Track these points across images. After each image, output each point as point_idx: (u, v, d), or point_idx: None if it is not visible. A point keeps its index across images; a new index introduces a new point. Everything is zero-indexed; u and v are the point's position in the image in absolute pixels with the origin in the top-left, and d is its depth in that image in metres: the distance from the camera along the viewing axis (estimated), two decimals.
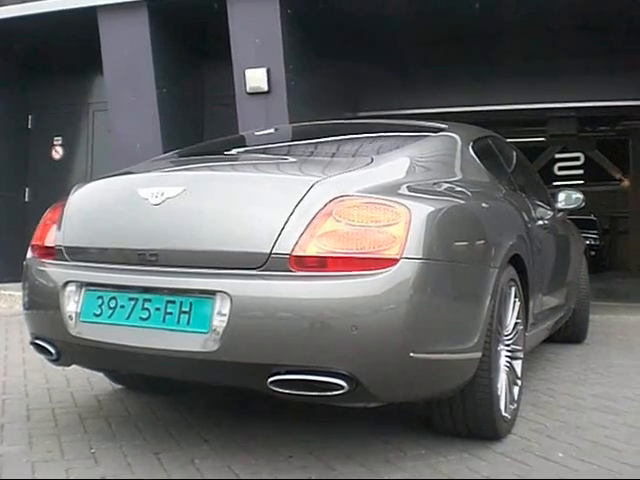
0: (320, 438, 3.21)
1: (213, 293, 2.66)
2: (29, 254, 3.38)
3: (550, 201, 5.16)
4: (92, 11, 8.58)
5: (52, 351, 3.12)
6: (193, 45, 9.13)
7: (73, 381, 4.26)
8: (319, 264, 2.60)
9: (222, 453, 3.01)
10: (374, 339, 2.56)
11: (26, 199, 10.56)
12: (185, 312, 2.71)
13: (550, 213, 4.91)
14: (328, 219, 2.63)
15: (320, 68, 9.03)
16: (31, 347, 3.32)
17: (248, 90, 8.01)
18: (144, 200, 2.89)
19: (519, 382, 3.44)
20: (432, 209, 2.78)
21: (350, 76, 10.34)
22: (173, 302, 2.74)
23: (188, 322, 2.69)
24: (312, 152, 3.76)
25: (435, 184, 3.14)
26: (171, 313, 2.73)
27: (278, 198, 2.74)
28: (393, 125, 4.40)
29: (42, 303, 3.19)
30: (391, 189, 2.83)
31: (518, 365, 3.42)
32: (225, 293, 2.63)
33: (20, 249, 10.27)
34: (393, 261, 2.57)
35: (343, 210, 2.65)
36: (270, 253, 2.63)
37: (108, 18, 8.62)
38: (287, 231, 2.63)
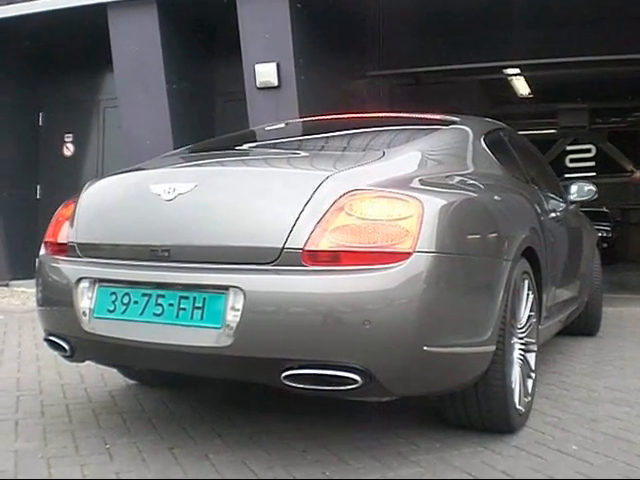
0: (333, 432, 3.22)
1: (226, 288, 2.66)
2: (42, 251, 3.38)
3: (562, 193, 5.13)
4: (102, 7, 8.60)
5: (66, 347, 3.12)
6: (203, 40, 9.13)
7: (87, 377, 4.28)
8: (332, 258, 2.60)
9: (236, 448, 3.01)
10: (387, 333, 2.55)
11: (37, 196, 10.60)
12: (198, 307, 2.71)
13: (562, 205, 4.88)
14: (340, 213, 2.63)
15: (330, 62, 9.01)
16: (45, 343, 3.33)
17: (258, 85, 8.01)
18: (156, 196, 2.89)
19: (533, 375, 3.42)
20: (445, 202, 2.77)
21: (360, 70, 10.33)
22: (186, 298, 2.74)
23: (201, 317, 2.69)
24: (323, 146, 3.74)
25: (447, 177, 3.13)
26: (184, 309, 2.73)
27: (290, 193, 2.74)
28: (404, 118, 4.35)
29: (56, 300, 3.19)
30: (403, 183, 2.81)
31: (532, 358, 3.40)
32: (238, 288, 2.62)
33: (32, 246, 10.34)
34: (406, 255, 2.56)
35: (355, 204, 2.63)
36: (283, 248, 2.63)
37: (117, 14, 8.63)
38: (299, 226, 2.63)
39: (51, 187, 10.46)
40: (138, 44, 8.62)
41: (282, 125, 4.77)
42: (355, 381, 2.56)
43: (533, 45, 9.40)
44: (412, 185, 2.83)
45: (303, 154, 3.49)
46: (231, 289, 2.64)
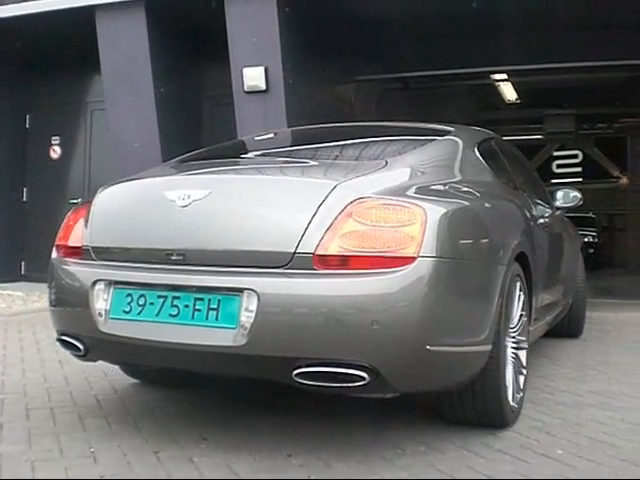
0: (320, 436, 3.22)
1: (240, 291, 2.79)
2: (54, 254, 3.47)
3: (548, 199, 5.25)
4: (90, 10, 8.57)
5: (80, 347, 3.21)
6: (191, 44, 9.11)
7: (72, 380, 4.26)
8: (341, 262, 2.75)
9: (221, 451, 3.01)
10: (394, 333, 2.70)
11: (24, 199, 10.55)
12: (213, 309, 2.84)
13: (549, 211, 5.01)
14: (349, 220, 2.78)
15: (318, 66, 9.02)
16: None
17: (246, 89, 8.00)
18: (171, 202, 3.01)
19: (524, 371, 3.57)
20: (446, 210, 2.92)
21: (348, 75, 10.35)
22: (201, 299, 2.87)
23: (216, 318, 2.83)
24: (329, 155, 3.85)
25: (446, 185, 3.28)
26: (200, 310, 2.86)
27: (301, 200, 2.89)
28: (403, 128, 4.51)
29: (70, 301, 3.29)
30: (406, 191, 2.97)
31: (523, 355, 3.56)
32: (252, 290, 2.76)
33: (18, 249, 10.34)
34: (411, 259, 2.72)
35: (362, 211, 2.79)
36: (294, 252, 2.77)
37: (106, 17, 8.60)
38: (310, 231, 2.78)
39: (38, 190, 10.43)
40: (126, 47, 8.59)
41: (285, 132, 4.90)
42: (363, 378, 2.70)
43: (520, 51, 9.45)
44: (415, 193, 2.97)
45: (311, 163, 3.62)
46: (245, 291, 2.78)
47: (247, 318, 2.75)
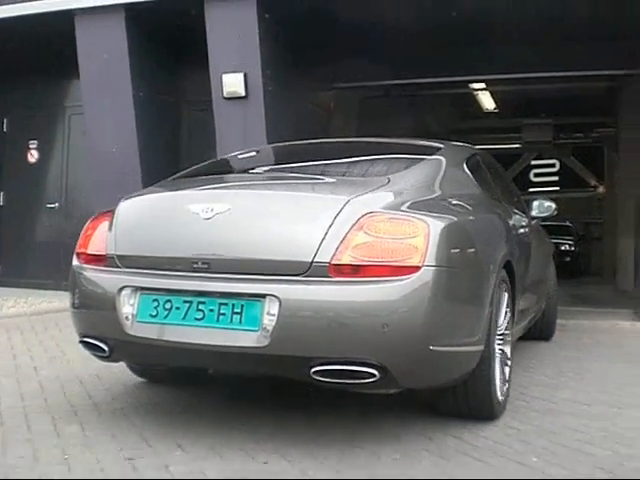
0: (296, 444, 3.22)
1: (263, 296, 3.05)
2: (75, 261, 3.69)
3: (525, 209, 5.48)
4: (69, 14, 8.51)
5: (104, 348, 3.43)
6: (170, 49, 9.09)
7: (47, 387, 4.23)
8: (353, 271, 3.03)
9: (196, 459, 3.00)
10: (401, 334, 3.00)
11: (1, 202, 10.47)
12: (237, 313, 3.09)
13: (526, 220, 5.28)
14: (360, 232, 3.07)
15: (298, 73, 9.03)
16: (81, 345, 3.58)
17: (225, 95, 7.98)
18: (195, 215, 3.27)
19: (509, 363, 3.91)
20: (446, 223, 3.22)
21: (328, 82, 10.37)
22: (226, 304, 3.12)
23: (240, 321, 3.08)
24: (336, 172, 4.10)
25: (444, 200, 3.60)
26: (224, 314, 3.12)
27: (317, 214, 3.18)
28: (398, 145, 4.84)
29: (96, 305, 3.50)
30: (410, 206, 3.26)
31: (508, 349, 3.91)
32: (274, 296, 3.02)
33: None
34: (416, 268, 3.01)
35: (372, 224, 3.08)
36: (312, 262, 3.05)
37: (85, 21, 8.55)
38: (326, 243, 3.06)
39: (15, 194, 10.35)
40: (105, 51, 8.54)
41: (286, 147, 5.10)
42: (373, 375, 2.99)
43: (499, 60, 9.50)
44: (418, 208, 3.25)
45: (321, 179, 3.88)
46: (267, 297, 3.04)
47: (269, 321, 3.01)
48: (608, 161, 17.95)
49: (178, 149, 9.49)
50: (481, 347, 3.38)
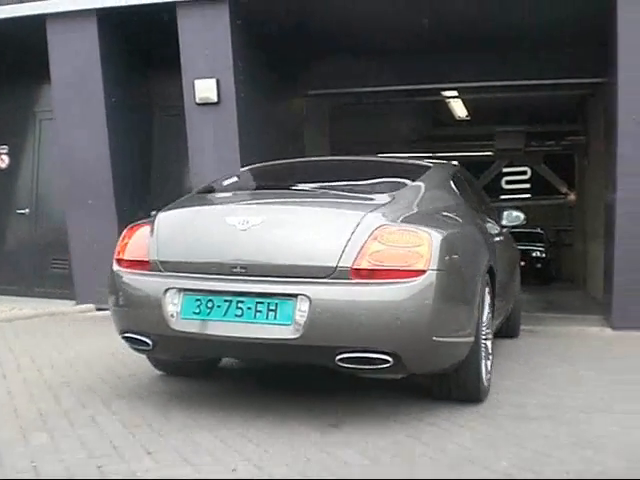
0: (264, 449, 3.23)
1: (295, 296, 3.58)
2: (115, 266, 4.14)
3: (496, 217, 5.98)
4: (41, 19, 8.45)
5: (148, 342, 3.90)
6: (143, 55, 9.05)
7: (16, 393, 4.20)
8: (370, 274, 3.59)
9: (165, 465, 3.00)
10: (410, 327, 3.55)
11: None
12: (272, 310, 3.60)
13: (498, 228, 5.82)
14: (375, 242, 3.63)
15: (271, 80, 9.05)
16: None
17: (197, 101, 7.97)
18: (232, 226, 3.78)
19: (490, 357, 4.46)
20: (445, 234, 3.78)
21: (300, 89, 10.39)
22: (262, 302, 3.63)
23: (275, 317, 3.59)
24: (351, 189, 4.42)
25: (439, 214, 4.22)
26: (260, 311, 3.62)
27: (340, 226, 3.73)
28: (395, 164, 5.40)
29: (141, 305, 3.95)
30: (415, 219, 3.85)
31: (489, 344, 4.44)
32: (305, 295, 3.55)
33: None
34: (422, 272, 3.58)
35: (385, 235, 3.65)
36: (336, 266, 3.60)
37: (57, 26, 8.49)
38: (348, 250, 3.61)
39: None
40: (77, 56, 8.48)
41: (303, 163, 5.69)
42: (387, 361, 3.53)
43: (471, 68, 9.59)
44: (420, 220, 3.84)
45: (339, 194, 4.27)
46: (299, 296, 3.57)
47: (300, 317, 3.53)
48: (579, 169, 18.13)
49: (150, 154, 9.45)
50: (472, 339, 3.93)
